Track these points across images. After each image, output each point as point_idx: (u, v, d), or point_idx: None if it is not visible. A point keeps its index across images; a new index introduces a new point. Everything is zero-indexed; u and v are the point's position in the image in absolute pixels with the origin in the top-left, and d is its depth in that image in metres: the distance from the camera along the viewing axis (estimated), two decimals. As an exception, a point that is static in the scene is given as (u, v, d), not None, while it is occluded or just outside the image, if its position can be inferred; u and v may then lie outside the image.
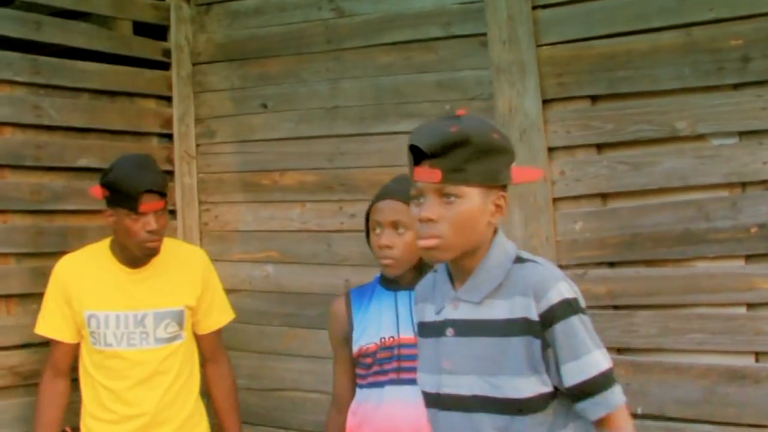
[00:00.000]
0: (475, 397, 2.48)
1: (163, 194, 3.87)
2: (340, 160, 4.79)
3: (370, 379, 3.48)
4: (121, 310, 3.98)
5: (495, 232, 2.58)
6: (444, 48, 4.51)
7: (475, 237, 2.48)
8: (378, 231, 3.42)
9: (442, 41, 4.51)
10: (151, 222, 3.82)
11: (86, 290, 4.00)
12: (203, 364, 4.29)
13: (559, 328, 2.39)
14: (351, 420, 3.53)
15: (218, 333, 4.33)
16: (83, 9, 5.01)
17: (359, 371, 3.54)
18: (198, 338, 4.24)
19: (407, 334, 3.39)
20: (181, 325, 4.07)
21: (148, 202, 3.79)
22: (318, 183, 4.83)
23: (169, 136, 5.30)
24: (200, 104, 5.36)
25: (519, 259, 2.54)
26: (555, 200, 4.08)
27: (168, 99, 5.32)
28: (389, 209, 3.41)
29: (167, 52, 5.35)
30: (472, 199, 2.43)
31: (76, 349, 4.07)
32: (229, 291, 4.74)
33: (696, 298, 3.77)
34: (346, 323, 3.59)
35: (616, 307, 3.92)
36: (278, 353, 4.92)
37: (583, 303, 2.48)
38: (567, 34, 4.08)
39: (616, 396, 2.43)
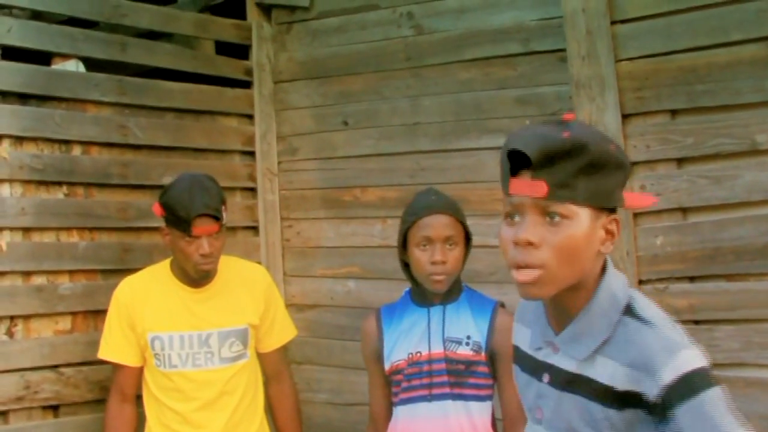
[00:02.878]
0: None
1: (217, 218, 3.79)
2: (421, 176, 4.81)
3: (402, 396, 3.44)
4: (185, 330, 3.95)
5: (604, 267, 2.10)
6: (523, 64, 4.52)
7: (580, 270, 2.00)
8: (426, 246, 3.33)
9: (521, 57, 4.53)
10: (204, 245, 3.77)
11: (149, 312, 3.96)
12: (266, 382, 4.24)
13: (684, 410, 1.86)
14: None
15: (281, 351, 4.28)
16: (167, 30, 5.11)
17: (393, 389, 3.50)
18: (261, 357, 4.19)
19: (437, 348, 3.36)
20: (245, 343, 4.02)
21: (201, 226, 3.75)
22: (399, 199, 4.85)
23: (252, 154, 5.36)
24: (282, 122, 5.42)
25: (632, 312, 2.03)
26: (635, 215, 4.07)
27: (250, 117, 5.40)
28: (440, 224, 3.34)
29: (249, 71, 5.42)
30: (582, 221, 1.96)
31: (140, 372, 4.02)
32: (310, 306, 4.79)
33: (779, 312, 3.73)
34: (377, 341, 3.54)
35: (697, 322, 3.89)
36: (360, 368, 4.92)
37: (710, 367, 1.93)
38: (646, 48, 4.07)
39: None
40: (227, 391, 3.97)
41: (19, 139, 4.30)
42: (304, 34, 5.37)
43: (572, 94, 4.24)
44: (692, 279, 3.96)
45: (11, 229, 4.21)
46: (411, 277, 3.48)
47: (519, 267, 1.97)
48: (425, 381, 3.36)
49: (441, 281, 3.34)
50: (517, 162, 1.98)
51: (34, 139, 4.35)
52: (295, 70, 5.39)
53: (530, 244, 1.95)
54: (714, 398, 1.87)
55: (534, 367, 2.20)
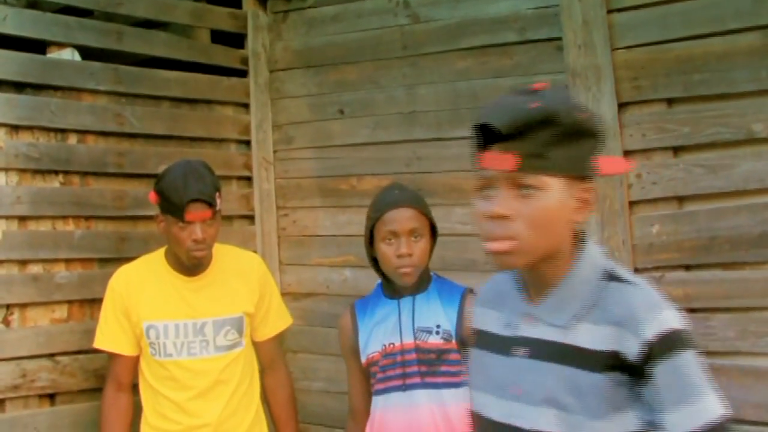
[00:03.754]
0: None
1: (211, 204, 3.79)
2: (417, 164, 4.81)
3: (377, 386, 3.49)
4: (180, 319, 3.94)
5: (582, 236, 2.13)
6: (519, 53, 4.52)
7: (555, 239, 2.02)
8: (392, 240, 3.40)
9: (517, 46, 4.52)
10: (197, 231, 3.76)
11: (143, 301, 3.97)
12: (261, 371, 4.25)
13: (664, 368, 1.90)
14: (368, 430, 3.54)
15: (276, 340, 4.29)
16: (163, 19, 5.10)
17: (371, 381, 3.55)
18: (256, 345, 4.20)
19: (408, 339, 3.41)
20: (240, 332, 4.03)
21: (195, 212, 3.75)
22: (400, 187, 4.85)
23: (247, 143, 5.36)
24: (278, 111, 5.42)
25: (613, 276, 2.07)
26: (631, 204, 4.07)
27: (246, 106, 5.40)
28: (404, 218, 3.39)
29: (245, 60, 5.42)
30: (554, 192, 1.96)
31: (136, 361, 4.03)
32: (306, 295, 4.79)
33: (774, 301, 3.74)
34: (352, 335, 3.60)
35: (693, 311, 3.89)
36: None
37: (691, 334, 1.98)
38: (642, 37, 4.07)
39: None
40: (223, 379, 3.97)
41: (14, 128, 4.30)
42: (300, 22, 5.37)
43: (568, 83, 4.23)
44: (688, 268, 3.96)
45: (7, 217, 4.21)
46: (380, 272, 3.53)
47: (494, 239, 1.98)
48: (399, 371, 3.41)
49: (408, 273, 3.39)
50: (488, 135, 1.98)
51: (29, 128, 4.35)
52: (291, 59, 5.39)
53: (503, 217, 1.96)
54: (691, 360, 1.92)
55: (505, 345, 2.16)
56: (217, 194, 3.83)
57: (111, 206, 4.59)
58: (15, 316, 4.21)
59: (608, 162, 2.09)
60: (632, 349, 1.92)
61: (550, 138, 1.94)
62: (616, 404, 1.95)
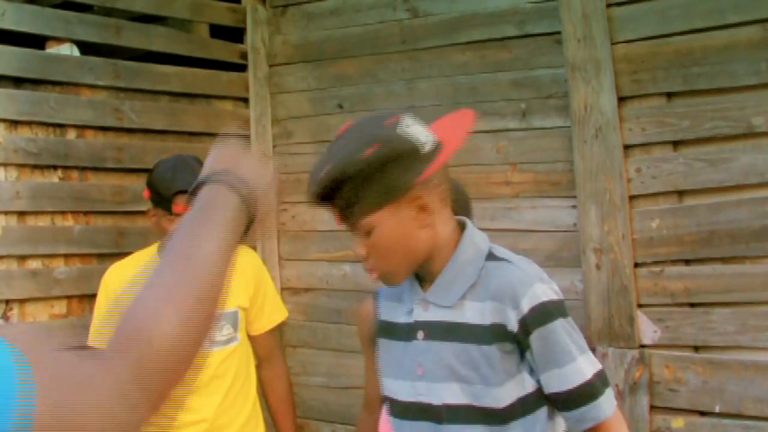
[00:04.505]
0: (446, 407, 2.27)
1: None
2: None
3: None
4: None
5: (463, 225, 2.38)
6: (519, 46, 4.51)
7: (415, 252, 2.26)
8: None
9: (516, 40, 4.51)
10: None
11: None
12: (258, 365, 4.19)
13: (537, 335, 2.17)
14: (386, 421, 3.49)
15: (272, 333, 4.23)
16: (161, 13, 5.11)
17: None
18: (252, 339, 4.13)
19: None
20: (235, 326, 3.97)
21: (183, 203, 3.70)
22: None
23: (247, 137, 5.35)
24: (277, 105, 5.42)
25: (492, 256, 2.31)
26: (631, 198, 4.06)
27: (245, 100, 5.40)
28: None
29: (244, 55, 5.41)
30: (384, 223, 2.21)
31: None
32: (306, 290, 4.78)
33: (775, 295, 3.74)
34: (374, 324, 3.54)
35: (693, 305, 3.90)
36: (356, 351, 4.93)
37: (563, 302, 2.26)
38: (642, 31, 4.06)
39: (603, 407, 2.19)
40: (218, 374, 3.94)
41: (13, 123, 4.29)
42: (299, 17, 5.36)
43: (568, 77, 4.23)
44: (688, 262, 3.96)
45: (6, 212, 4.21)
46: None
47: (368, 271, 2.31)
48: None
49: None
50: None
51: (28, 123, 4.34)
52: (290, 54, 5.39)
53: (363, 256, 2.28)
54: (560, 327, 2.19)
55: (407, 332, 2.39)
56: None
57: (110, 201, 4.59)
58: (14, 312, 4.22)
59: (436, 163, 2.27)
60: (511, 321, 2.18)
61: (351, 191, 2.18)
62: (509, 371, 2.20)
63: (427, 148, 2.25)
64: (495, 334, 2.20)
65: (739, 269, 3.82)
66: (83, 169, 4.53)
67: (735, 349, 3.81)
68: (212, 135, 4.96)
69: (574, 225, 4.23)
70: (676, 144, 3.99)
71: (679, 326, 3.91)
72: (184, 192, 3.69)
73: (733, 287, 3.81)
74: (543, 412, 2.25)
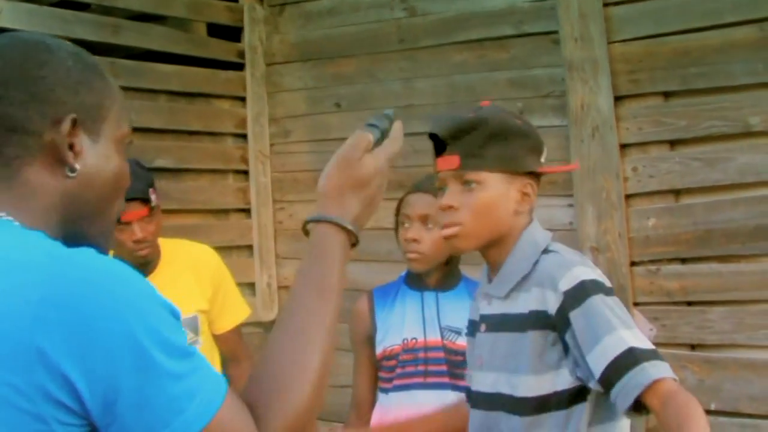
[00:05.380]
0: (497, 395, 2.33)
1: (145, 200, 3.63)
2: (414, 158, 4.77)
3: (396, 382, 3.31)
4: None
5: (530, 222, 2.42)
6: (516, 46, 4.52)
7: (498, 226, 2.33)
8: (407, 225, 3.27)
9: (514, 39, 4.52)
10: (136, 231, 3.60)
11: None
12: (224, 364, 4.09)
13: (577, 313, 2.14)
14: (379, 423, 3.35)
15: (236, 332, 4.12)
16: (159, 12, 5.10)
17: (383, 374, 3.38)
18: (216, 338, 4.05)
19: (434, 336, 3.28)
20: (196, 331, 3.88)
21: (130, 211, 3.58)
22: (392, 181, 4.73)
23: (244, 136, 5.36)
24: (274, 104, 5.42)
25: (545, 251, 2.35)
26: (628, 197, 4.07)
27: (243, 99, 5.40)
28: (419, 203, 3.25)
29: (242, 54, 5.41)
30: (494, 185, 2.30)
31: None
32: (304, 289, 4.75)
33: (770, 293, 3.75)
34: (369, 323, 3.43)
35: (689, 303, 3.91)
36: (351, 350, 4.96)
37: (606, 283, 2.23)
38: (639, 30, 4.07)
39: (648, 370, 2.01)
40: None
41: (11, 122, 4.28)
42: (296, 16, 5.37)
43: (565, 77, 4.24)
44: (684, 261, 3.97)
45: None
46: None
47: (444, 226, 2.34)
48: (420, 368, 3.27)
49: (414, 259, 3.26)
50: (439, 144, 2.37)
51: (27, 122, 4.33)
52: (288, 52, 5.39)
53: (450, 207, 2.31)
54: (599, 302, 2.15)
55: (475, 326, 2.50)
56: (151, 190, 3.69)
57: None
58: None
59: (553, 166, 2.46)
60: (552, 304, 2.20)
61: (483, 139, 2.30)
62: (549, 363, 2.21)
63: (545, 153, 2.41)
64: (538, 321, 2.24)
65: (736, 268, 3.83)
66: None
67: (731, 348, 3.83)
68: (210, 134, 4.96)
69: (571, 224, 4.24)
70: (672, 143, 4.00)
71: (675, 325, 3.92)
72: (129, 200, 3.61)
73: (730, 286, 3.82)
74: (578, 410, 2.21)
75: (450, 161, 2.32)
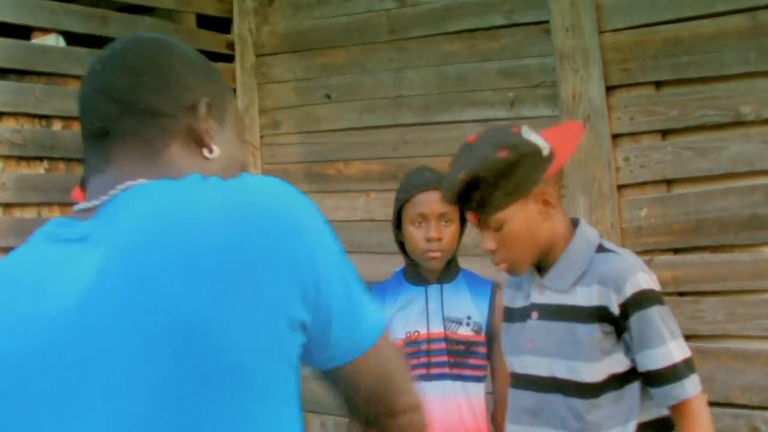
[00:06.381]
0: (552, 379, 2.56)
1: None
2: (404, 149, 4.80)
3: None
4: None
5: (575, 221, 2.66)
6: (507, 36, 4.50)
7: (537, 241, 2.55)
8: (421, 224, 3.25)
9: (505, 29, 4.51)
10: None
11: None
12: None
13: (635, 319, 2.43)
14: None
15: None
16: (148, 4, 5.08)
17: None
18: None
19: (437, 328, 3.28)
20: None
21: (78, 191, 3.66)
22: (383, 172, 4.84)
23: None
24: (264, 95, 5.40)
25: (601, 248, 2.58)
26: (620, 187, 4.07)
27: (232, 91, 5.36)
28: (435, 201, 3.22)
29: (231, 45, 5.40)
30: (514, 215, 2.50)
31: None
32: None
33: (763, 283, 3.75)
34: None
35: (681, 294, 3.90)
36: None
37: (659, 290, 2.51)
38: (630, 19, 4.06)
39: (686, 387, 2.44)
40: None
41: (-2, 114, 4.28)
42: (286, 6, 5.35)
43: (556, 66, 4.23)
44: (677, 251, 3.97)
45: (-8, 204, 4.19)
46: (406, 256, 3.43)
47: (496, 264, 2.60)
48: (423, 360, 3.27)
49: (437, 258, 3.25)
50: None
51: (14, 114, 4.32)
52: (278, 43, 5.37)
53: (491, 250, 2.56)
54: (656, 313, 2.44)
55: (523, 314, 2.68)
56: None
57: (98, 192, 4.56)
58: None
59: (561, 147, 2.58)
60: (613, 304, 2.45)
61: (483, 193, 2.48)
62: (605, 350, 2.48)
63: (546, 151, 2.51)
64: (598, 315, 2.47)
65: (728, 258, 3.82)
66: (70, 160, 4.51)
67: (724, 338, 3.82)
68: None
69: (563, 214, 4.23)
70: (664, 133, 3.99)
71: (667, 315, 3.91)
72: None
73: (722, 276, 3.81)
74: (631, 388, 2.51)
75: (471, 217, 2.58)
